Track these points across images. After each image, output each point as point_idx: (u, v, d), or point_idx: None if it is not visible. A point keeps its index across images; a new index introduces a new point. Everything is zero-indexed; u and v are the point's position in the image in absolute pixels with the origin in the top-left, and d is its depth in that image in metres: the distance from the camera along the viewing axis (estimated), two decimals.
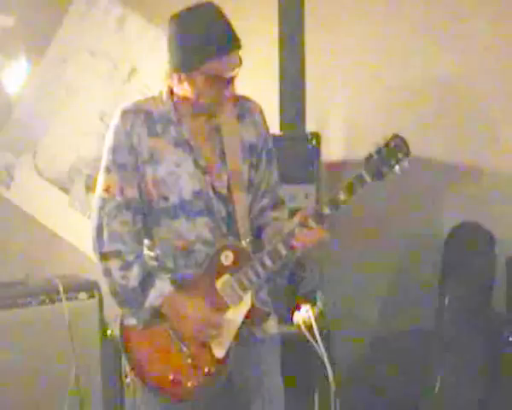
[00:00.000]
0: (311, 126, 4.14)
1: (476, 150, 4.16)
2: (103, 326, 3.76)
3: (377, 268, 4.23)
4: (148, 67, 4.44)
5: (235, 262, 2.51)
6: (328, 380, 3.51)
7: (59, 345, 3.65)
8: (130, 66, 4.46)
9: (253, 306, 2.52)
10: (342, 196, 2.46)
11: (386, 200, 4.13)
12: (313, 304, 3.64)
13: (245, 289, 2.50)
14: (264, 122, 2.67)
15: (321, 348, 3.50)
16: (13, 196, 4.48)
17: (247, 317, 2.52)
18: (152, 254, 2.59)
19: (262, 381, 2.60)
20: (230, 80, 2.47)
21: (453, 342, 3.60)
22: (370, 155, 2.46)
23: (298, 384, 3.60)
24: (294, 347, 3.56)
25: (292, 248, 2.48)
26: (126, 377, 2.61)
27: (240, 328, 2.52)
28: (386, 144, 2.45)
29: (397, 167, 2.46)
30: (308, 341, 3.53)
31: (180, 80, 2.48)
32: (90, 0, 4.45)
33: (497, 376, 3.61)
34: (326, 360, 3.50)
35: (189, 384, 2.49)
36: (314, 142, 3.82)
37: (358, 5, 4.24)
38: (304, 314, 3.59)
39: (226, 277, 2.50)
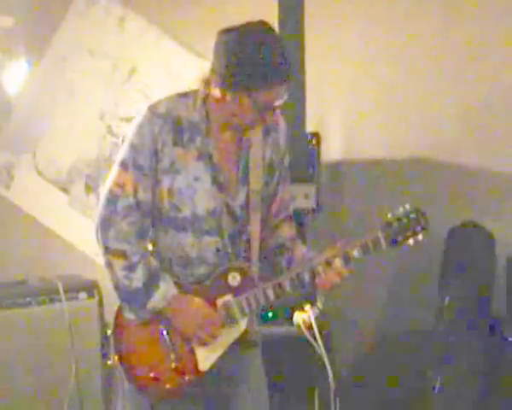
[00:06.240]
0: (311, 126, 4.14)
1: (476, 150, 4.16)
2: (103, 326, 3.77)
3: (377, 268, 4.23)
4: (148, 67, 4.44)
5: (240, 285, 2.53)
6: (328, 380, 3.51)
7: (59, 345, 3.66)
8: (131, 66, 4.46)
9: (245, 332, 2.54)
10: (356, 254, 2.50)
11: (386, 200, 4.13)
12: (313, 304, 3.64)
13: (243, 314, 2.52)
14: (286, 141, 2.66)
15: (321, 348, 3.51)
16: (13, 196, 4.48)
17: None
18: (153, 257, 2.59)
19: (246, 379, 2.61)
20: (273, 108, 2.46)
21: (453, 342, 3.60)
22: (390, 222, 2.49)
23: (298, 384, 3.60)
24: (294, 347, 3.57)
25: (296, 287, 2.51)
26: (109, 359, 2.62)
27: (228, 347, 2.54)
28: (408, 215, 2.49)
29: (411, 240, 2.50)
30: (308, 341, 3.54)
31: (223, 95, 2.42)
32: (89, 0, 4.46)
33: (497, 376, 3.60)
34: (326, 360, 3.50)
35: (167, 386, 2.52)
36: (314, 142, 3.82)
37: (358, 5, 4.25)
38: (304, 314, 3.60)
39: (228, 297, 2.52)
